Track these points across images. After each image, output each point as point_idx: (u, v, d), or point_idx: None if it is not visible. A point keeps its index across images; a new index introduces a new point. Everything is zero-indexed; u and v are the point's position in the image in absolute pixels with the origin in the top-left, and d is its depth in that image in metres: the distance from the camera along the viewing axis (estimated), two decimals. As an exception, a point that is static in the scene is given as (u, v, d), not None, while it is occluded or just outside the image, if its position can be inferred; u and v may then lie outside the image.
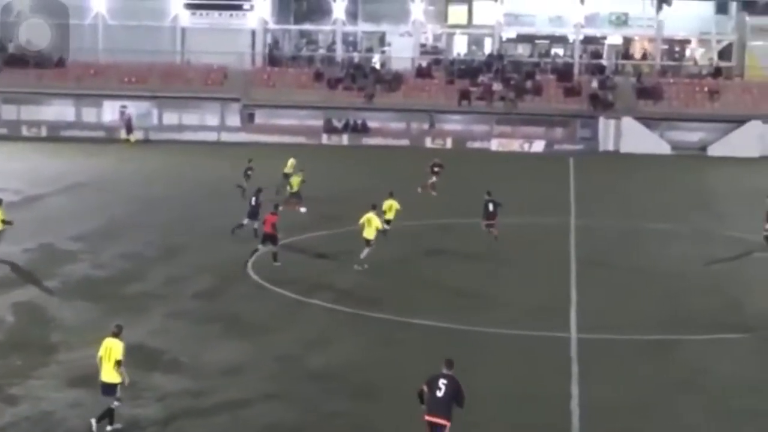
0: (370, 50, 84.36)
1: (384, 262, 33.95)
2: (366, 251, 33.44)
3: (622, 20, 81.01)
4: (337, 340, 25.67)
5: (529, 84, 75.41)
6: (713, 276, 33.74)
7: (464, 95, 74.41)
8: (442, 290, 30.92)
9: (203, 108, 76.39)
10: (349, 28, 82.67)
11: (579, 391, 22.14)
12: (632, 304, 29.92)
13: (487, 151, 70.11)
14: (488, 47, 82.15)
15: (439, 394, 17.44)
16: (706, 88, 74.92)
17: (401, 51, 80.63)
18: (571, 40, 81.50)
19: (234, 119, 76.43)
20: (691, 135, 74.03)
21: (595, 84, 75.24)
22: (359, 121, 75.19)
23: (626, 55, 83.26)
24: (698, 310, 29.35)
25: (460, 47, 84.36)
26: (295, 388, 21.70)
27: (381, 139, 73.40)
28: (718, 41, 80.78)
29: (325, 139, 73.97)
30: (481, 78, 76.24)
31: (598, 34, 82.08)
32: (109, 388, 19.51)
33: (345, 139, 73.88)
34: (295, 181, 45.43)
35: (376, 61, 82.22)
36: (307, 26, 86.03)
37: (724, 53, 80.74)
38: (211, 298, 29.56)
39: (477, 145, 71.60)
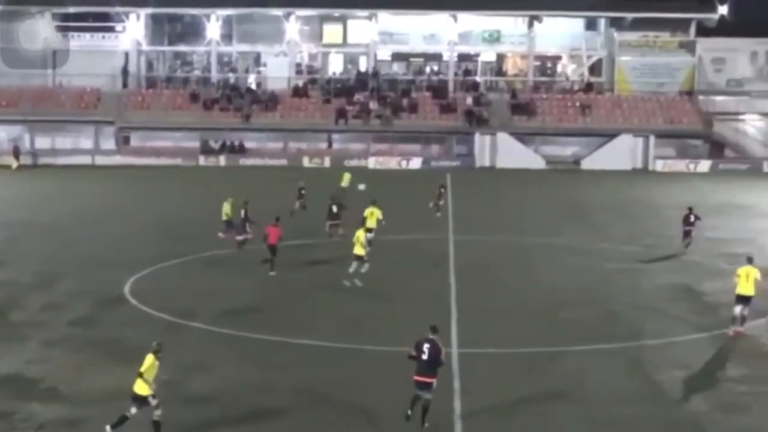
0: (246, 71, 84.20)
1: (266, 281, 33.95)
2: (355, 265, 33.93)
3: (494, 37, 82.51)
4: (217, 363, 25.56)
5: (405, 102, 76.24)
6: (588, 288, 34.56)
7: (341, 114, 74.86)
8: (321, 309, 31.04)
9: (77, 131, 75.28)
10: (224, 48, 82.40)
11: (461, 404, 22.50)
12: (511, 317, 30.43)
13: (365, 169, 70.62)
14: (364, 66, 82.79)
15: (425, 357, 20.99)
16: (578, 103, 76.79)
17: (277, 71, 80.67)
18: (445, 58, 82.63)
19: (109, 142, 75.52)
20: (565, 149, 75.85)
21: (469, 101, 76.44)
22: (236, 142, 75.00)
23: (500, 71, 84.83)
24: (574, 322, 30.02)
25: (335, 66, 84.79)
26: (175, 413, 21.57)
27: (258, 160, 73.34)
28: (589, 57, 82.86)
29: (202, 160, 73.56)
30: (357, 96, 76.79)
31: (472, 52, 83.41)
32: None
33: (222, 160, 73.59)
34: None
35: (251, 81, 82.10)
36: (181, 47, 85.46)
37: (595, 68, 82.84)
38: (89, 325, 29.14)
39: (355, 163, 72.09)
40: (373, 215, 38.88)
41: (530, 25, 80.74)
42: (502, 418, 21.98)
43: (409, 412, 21.01)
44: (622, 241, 43.46)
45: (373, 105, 75.88)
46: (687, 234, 41.35)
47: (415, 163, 72.98)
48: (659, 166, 73.12)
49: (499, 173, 69.71)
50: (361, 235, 34.46)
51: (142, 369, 20.18)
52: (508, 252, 41.06)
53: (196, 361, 25.54)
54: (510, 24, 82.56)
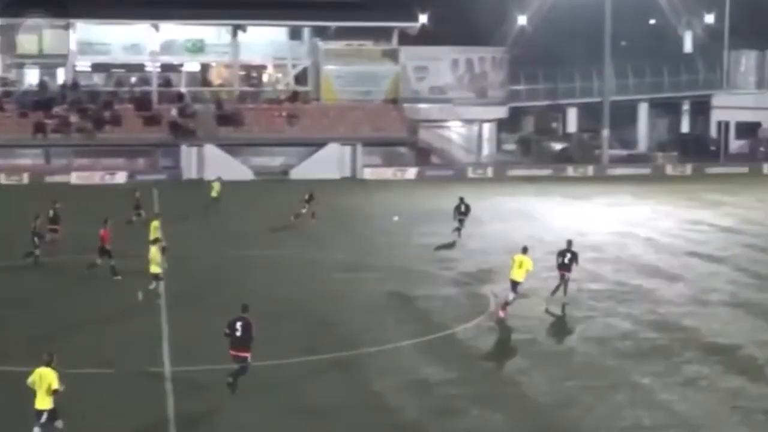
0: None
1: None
2: (154, 284, 33.65)
3: (198, 47, 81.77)
4: None
5: (107, 114, 74.29)
6: (304, 299, 34.71)
7: (39, 128, 72.06)
8: (10, 328, 29.68)
9: None
10: None
11: (176, 426, 22.02)
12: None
13: (67, 185, 68.16)
14: (62, 77, 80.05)
15: (238, 333, 23.48)
16: (284, 113, 77.21)
17: (-33, 84, 76.69)
18: (148, 68, 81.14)
19: None
20: (273, 160, 76.14)
21: (174, 112, 75.41)
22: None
23: (205, 82, 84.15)
24: (290, 334, 30.02)
25: (32, 78, 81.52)
26: None
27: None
28: (294, 66, 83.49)
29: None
30: (56, 109, 74.17)
31: (175, 62, 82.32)
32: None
33: None
34: None
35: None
36: None
37: (300, 78, 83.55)
38: None
39: (56, 179, 69.52)
40: (156, 229, 38.35)
41: (234, 34, 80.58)
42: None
43: (230, 379, 23.61)
44: (336, 250, 44.00)
45: (73, 118, 73.48)
46: (460, 222, 44.93)
47: (120, 177, 71.22)
48: (367, 173, 74.67)
49: (207, 185, 68.77)
50: (155, 253, 33.77)
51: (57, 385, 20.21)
52: (221, 265, 40.67)
53: None
54: (214, 33, 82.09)
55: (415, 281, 37.66)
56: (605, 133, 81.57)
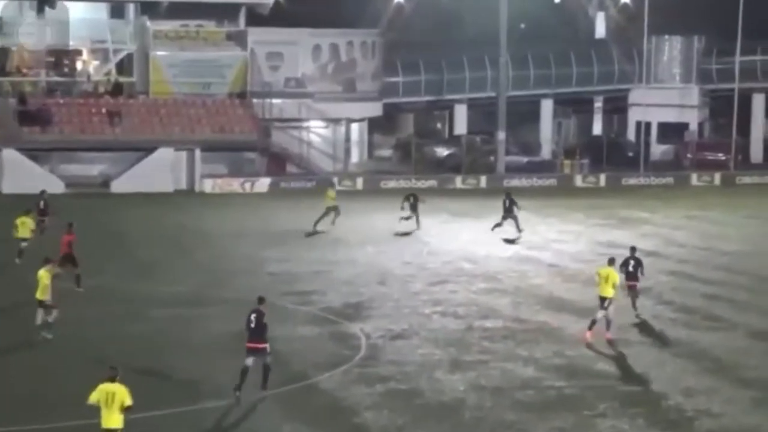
0: None
1: None
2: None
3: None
4: None
5: None
6: (130, 341, 34.27)
7: None
8: None
9: None
10: None
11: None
12: (31, 385, 29.67)
13: None
14: None
15: (252, 325, 28.78)
16: (104, 110, 76.27)
17: None
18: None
19: None
20: (91, 168, 75.17)
21: (-35, 108, 73.87)
22: None
23: (2, 70, 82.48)
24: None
25: None
26: None
27: None
28: (116, 52, 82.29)
29: None
30: None
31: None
32: None
33: None
34: None
35: None
36: None
37: (125, 66, 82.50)
38: None
39: None
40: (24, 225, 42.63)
41: (40, 10, 79.34)
42: None
43: (238, 393, 28.14)
44: (170, 281, 43.60)
45: None
46: (504, 219, 50.56)
47: None
48: (208, 186, 74.20)
49: (6, 200, 67.39)
50: (44, 275, 33.95)
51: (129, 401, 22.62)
52: (20, 298, 39.89)
53: None
54: (13, 9, 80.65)
55: (267, 319, 37.46)
56: (501, 135, 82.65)
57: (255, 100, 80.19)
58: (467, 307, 38.76)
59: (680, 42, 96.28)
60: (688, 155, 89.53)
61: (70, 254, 40.59)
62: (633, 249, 39.18)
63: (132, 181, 72.28)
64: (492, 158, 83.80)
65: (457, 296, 41.69)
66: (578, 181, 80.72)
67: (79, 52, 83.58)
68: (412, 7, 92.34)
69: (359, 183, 77.35)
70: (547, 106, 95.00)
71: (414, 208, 57.99)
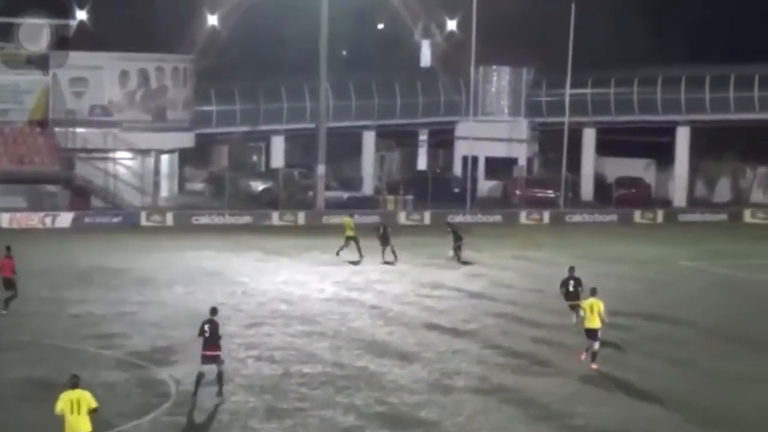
0: None
1: None
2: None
3: None
4: None
5: None
6: None
7: None
8: None
9: None
10: None
11: None
12: None
13: None
14: None
15: (207, 335, 33.01)
16: None
17: None
18: None
19: None
20: None
21: None
22: None
23: None
24: None
25: None
26: None
27: None
28: None
29: None
30: None
31: None
32: None
33: None
34: None
35: None
36: None
37: None
38: None
39: None
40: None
41: None
42: None
43: (194, 398, 32.77)
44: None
45: None
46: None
47: None
48: (5, 220, 72.98)
49: None
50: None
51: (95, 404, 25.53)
52: None
53: None
54: None
55: (68, 363, 36.96)
56: (321, 169, 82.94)
57: (57, 129, 79.27)
58: (284, 351, 38.81)
59: (509, 73, 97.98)
60: (517, 192, 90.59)
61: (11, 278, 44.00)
62: (572, 269, 43.60)
63: None
64: (311, 193, 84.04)
65: (273, 339, 41.71)
66: (402, 218, 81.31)
67: None
68: (227, 32, 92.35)
69: (169, 218, 76.77)
70: (369, 139, 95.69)
71: (386, 240, 61.66)
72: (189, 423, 31.33)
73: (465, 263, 61.28)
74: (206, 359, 33.21)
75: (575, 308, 41.85)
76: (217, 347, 33.33)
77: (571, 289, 42.76)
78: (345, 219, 63.77)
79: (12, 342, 40.10)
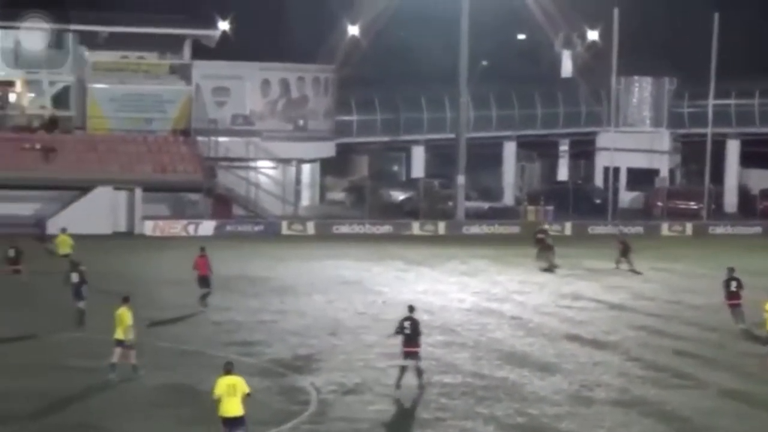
0: None
1: None
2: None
3: None
4: None
5: None
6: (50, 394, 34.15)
7: None
8: None
9: None
10: None
11: None
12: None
13: None
14: None
15: (407, 331, 35.26)
16: (38, 145, 75.88)
17: None
18: None
19: None
20: (24, 207, 74.45)
21: None
22: None
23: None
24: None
25: None
26: None
27: None
28: (52, 83, 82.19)
29: None
30: None
31: None
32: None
33: None
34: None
35: None
36: None
37: (61, 99, 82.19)
38: None
39: None
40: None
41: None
42: None
43: (399, 384, 35.13)
44: (99, 330, 43.34)
45: None
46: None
47: None
48: (149, 228, 73.93)
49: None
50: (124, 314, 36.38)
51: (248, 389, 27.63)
52: None
53: None
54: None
55: (209, 371, 37.27)
56: (460, 180, 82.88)
57: (199, 138, 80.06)
58: (425, 361, 38.66)
59: (650, 83, 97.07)
60: (659, 203, 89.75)
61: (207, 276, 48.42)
62: (731, 269, 44.64)
63: (67, 221, 71.69)
64: (451, 203, 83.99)
65: (413, 349, 41.69)
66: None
67: (11, 83, 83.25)
68: (367, 42, 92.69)
69: (310, 228, 77.30)
70: (509, 149, 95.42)
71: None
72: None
73: (636, 272, 62.17)
74: (407, 355, 35.27)
75: (735, 308, 41.81)
76: (417, 344, 35.41)
77: (733, 289, 42.87)
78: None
79: (152, 348, 40.56)
